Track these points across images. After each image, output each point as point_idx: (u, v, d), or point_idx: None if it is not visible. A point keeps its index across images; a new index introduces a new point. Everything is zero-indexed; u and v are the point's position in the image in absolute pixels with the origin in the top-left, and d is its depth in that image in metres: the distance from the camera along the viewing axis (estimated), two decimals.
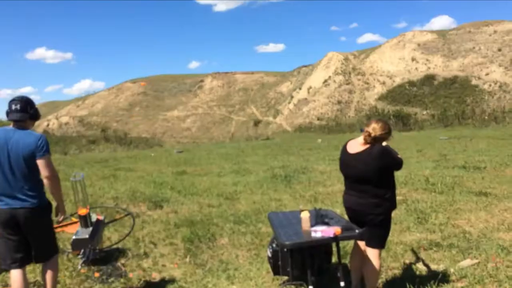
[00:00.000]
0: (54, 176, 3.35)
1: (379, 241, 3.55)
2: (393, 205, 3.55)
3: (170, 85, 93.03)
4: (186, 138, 64.92)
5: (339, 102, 59.30)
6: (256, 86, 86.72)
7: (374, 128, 3.44)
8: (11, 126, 3.32)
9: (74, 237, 4.73)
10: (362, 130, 3.57)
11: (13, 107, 3.30)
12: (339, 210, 6.14)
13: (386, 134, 3.48)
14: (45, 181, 3.33)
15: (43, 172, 3.30)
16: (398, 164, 3.52)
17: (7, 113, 3.33)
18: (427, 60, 60.45)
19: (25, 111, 3.32)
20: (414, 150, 16.65)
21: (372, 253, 3.54)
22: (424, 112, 49.42)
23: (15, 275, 3.33)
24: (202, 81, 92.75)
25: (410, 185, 8.82)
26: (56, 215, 3.60)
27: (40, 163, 3.27)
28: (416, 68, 60.13)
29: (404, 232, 5.70)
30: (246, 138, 49.54)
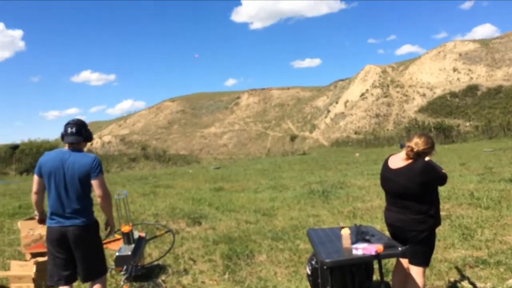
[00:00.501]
0: (106, 195, 3.50)
1: (423, 259, 3.45)
2: (437, 221, 3.46)
3: (207, 103, 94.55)
4: (223, 155, 65.51)
5: (377, 116, 58.30)
6: (292, 101, 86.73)
7: (417, 143, 3.40)
8: (66, 148, 3.49)
9: (117, 253, 4.85)
10: (402, 145, 3.52)
11: (69, 130, 3.48)
12: (379, 226, 6.02)
13: (429, 148, 3.44)
14: (98, 200, 3.48)
15: (97, 192, 3.45)
16: (442, 179, 3.43)
17: (62, 136, 3.51)
18: (470, 70, 58.63)
19: (80, 134, 3.50)
20: (457, 163, 16.12)
21: (415, 271, 3.45)
22: (467, 124, 47.79)
23: None
24: (238, 98, 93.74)
25: (453, 200, 8.54)
26: (106, 229, 3.73)
27: (95, 183, 3.43)
28: (458, 79, 58.39)
29: (448, 249, 5.51)
30: (283, 154, 49.48)
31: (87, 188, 3.46)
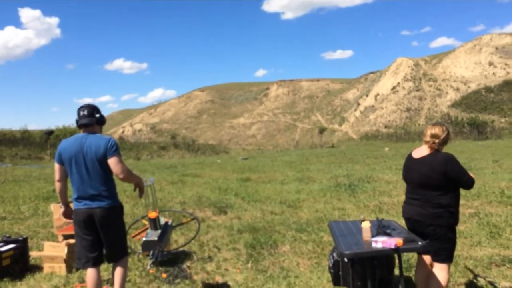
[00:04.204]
0: (123, 171, 3.48)
1: (445, 256, 3.43)
2: (456, 219, 3.45)
3: (237, 93, 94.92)
4: (251, 145, 65.71)
5: (408, 110, 57.10)
6: (322, 93, 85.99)
7: (436, 134, 3.46)
8: (82, 133, 3.59)
9: (144, 238, 5.00)
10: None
11: (81, 113, 3.57)
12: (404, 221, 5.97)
13: (447, 135, 3.51)
14: (119, 177, 3.50)
15: (115, 170, 3.47)
16: (465, 176, 3.39)
17: (77, 121, 3.60)
18: (506, 64, 56.54)
19: (92, 116, 3.58)
20: (489, 160, 15.69)
21: (440, 267, 3.44)
22: (503, 120, 46.27)
23: (89, 273, 3.57)
24: (267, 88, 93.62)
25: (483, 197, 8.35)
26: (135, 190, 3.82)
27: (111, 162, 3.46)
28: (494, 73, 56.45)
29: (474, 247, 5.43)
30: (311, 146, 49.25)
31: (108, 169, 3.49)
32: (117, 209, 3.62)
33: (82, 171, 3.47)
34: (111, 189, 3.57)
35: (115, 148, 3.50)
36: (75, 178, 3.50)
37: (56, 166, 3.56)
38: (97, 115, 3.61)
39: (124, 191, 8.88)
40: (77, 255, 3.61)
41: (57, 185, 3.61)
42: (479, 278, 4.37)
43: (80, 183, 3.49)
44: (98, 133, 3.62)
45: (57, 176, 3.57)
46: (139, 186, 3.80)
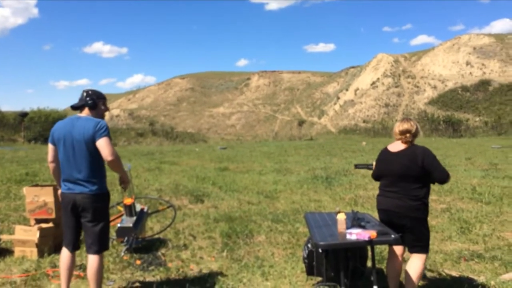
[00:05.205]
0: (112, 154, 3.34)
1: (423, 245, 3.54)
2: (428, 212, 3.58)
3: (217, 82, 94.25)
4: (230, 135, 65.58)
5: (386, 105, 57.76)
6: (302, 85, 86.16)
7: (408, 129, 3.55)
8: (76, 115, 3.53)
9: (119, 225, 4.96)
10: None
11: (80, 96, 3.56)
12: None
13: (417, 129, 3.60)
14: (108, 160, 3.37)
15: (103, 153, 3.33)
16: (441, 169, 3.47)
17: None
18: (483, 64, 57.66)
19: (82, 99, 3.53)
20: (463, 158, 16.07)
21: (417, 258, 3.53)
22: (477, 119, 47.31)
23: (63, 255, 3.53)
24: (248, 79, 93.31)
25: (455, 193, 8.57)
26: (120, 184, 3.75)
27: (99, 143, 3.33)
28: (471, 73, 57.51)
29: (445, 241, 5.57)
30: (290, 138, 49.48)
31: (96, 154, 3.36)
32: (101, 197, 3.48)
33: (69, 153, 3.39)
34: (97, 175, 3.44)
35: (104, 130, 3.38)
36: (62, 160, 3.43)
37: (49, 146, 3.52)
38: (87, 99, 3.51)
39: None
40: (63, 234, 3.59)
41: (50, 166, 3.57)
42: (446, 271, 4.49)
43: (66, 166, 3.41)
44: (90, 116, 3.50)
45: (49, 157, 3.53)
46: (124, 179, 3.71)
